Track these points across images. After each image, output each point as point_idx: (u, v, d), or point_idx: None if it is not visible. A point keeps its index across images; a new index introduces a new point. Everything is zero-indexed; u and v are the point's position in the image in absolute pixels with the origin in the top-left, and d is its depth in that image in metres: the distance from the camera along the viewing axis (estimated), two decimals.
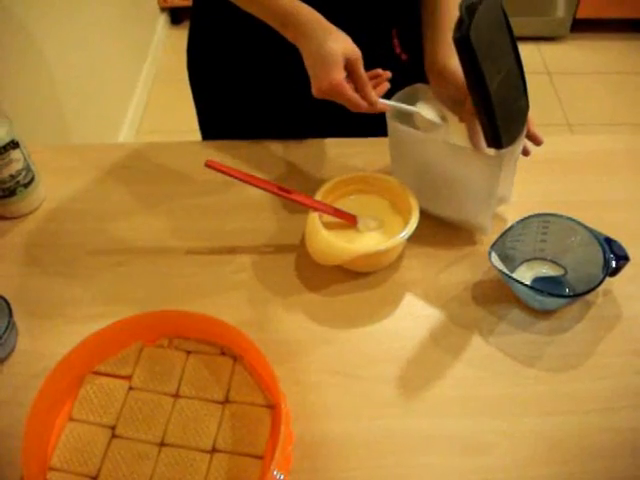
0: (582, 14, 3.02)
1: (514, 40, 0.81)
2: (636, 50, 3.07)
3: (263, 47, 1.04)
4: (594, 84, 2.90)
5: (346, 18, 0.85)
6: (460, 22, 0.71)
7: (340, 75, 0.81)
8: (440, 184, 0.91)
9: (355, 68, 0.83)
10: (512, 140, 0.82)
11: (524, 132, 0.86)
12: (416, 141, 0.88)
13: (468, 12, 0.71)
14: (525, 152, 0.92)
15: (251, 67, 1.08)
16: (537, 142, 0.91)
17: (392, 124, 0.88)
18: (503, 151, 0.81)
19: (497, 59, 0.77)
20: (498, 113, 0.77)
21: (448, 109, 0.90)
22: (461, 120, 0.89)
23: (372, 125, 1.11)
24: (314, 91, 0.84)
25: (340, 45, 0.82)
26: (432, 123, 0.89)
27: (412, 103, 0.91)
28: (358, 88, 0.83)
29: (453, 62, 0.87)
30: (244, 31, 1.02)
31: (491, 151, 0.82)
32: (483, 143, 0.86)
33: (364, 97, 0.83)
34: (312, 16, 0.83)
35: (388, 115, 0.87)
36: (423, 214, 0.87)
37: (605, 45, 3.11)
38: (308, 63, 0.83)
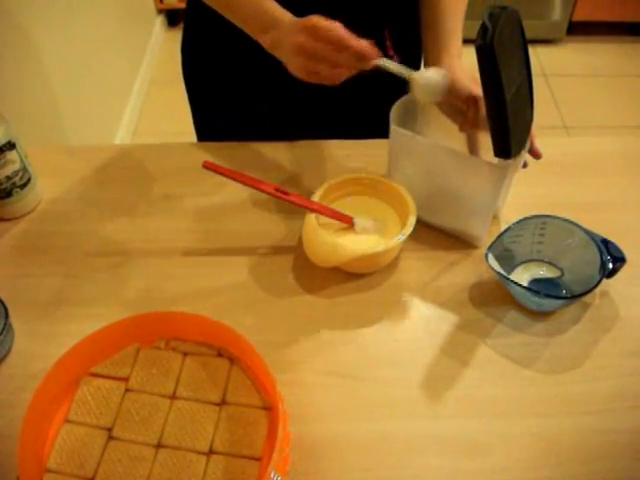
0: (578, 17, 3.03)
1: (527, 53, 0.81)
2: (632, 53, 3.09)
3: (258, 48, 1.04)
4: (590, 86, 2.91)
5: (338, 19, 0.84)
6: (484, 30, 0.71)
7: (314, 18, 0.77)
8: (439, 192, 0.90)
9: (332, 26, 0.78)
10: (518, 151, 0.82)
11: (528, 144, 0.86)
12: (420, 147, 0.88)
13: (491, 20, 0.71)
14: (524, 164, 0.93)
15: (246, 68, 1.08)
16: (537, 156, 0.91)
17: (395, 129, 0.87)
18: (509, 162, 0.81)
19: (512, 70, 0.77)
20: (510, 123, 0.76)
21: (448, 118, 0.90)
22: (461, 130, 0.89)
23: (370, 127, 1.12)
24: (290, 59, 0.81)
25: None
26: (431, 86, 0.82)
27: (412, 110, 0.91)
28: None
29: (457, 73, 0.87)
30: (239, 32, 1.02)
31: (495, 161, 0.82)
32: (482, 154, 0.86)
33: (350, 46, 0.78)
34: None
35: (392, 119, 0.87)
36: (418, 220, 0.87)
37: (601, 48, 3.12)
38: (280, 44, 0.81)
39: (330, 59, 0.79)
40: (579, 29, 3.11)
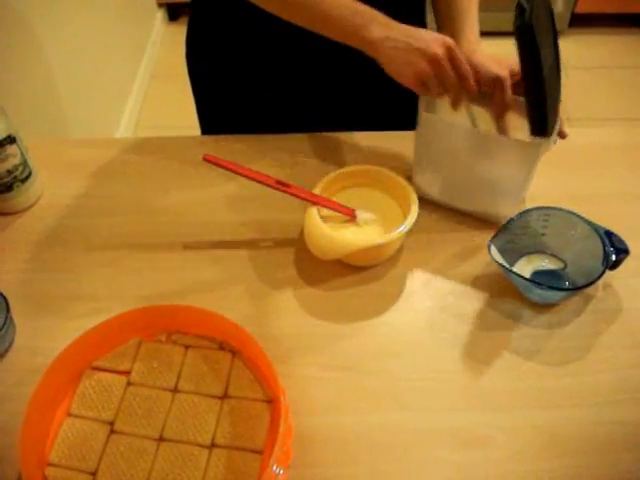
0: (580, 9, 3.01)
1: (556, 33, 0.82)
2: (634, 45, 3.07)
3: (264, 39, 1.03)
4: (593, 79, 2.90)
5: None
6: (521, 10, 0.72)
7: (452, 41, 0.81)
8: (470, 177, 0.91)
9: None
10: (552, 129, 0.83)
11: (559, 122, 0.87)
12: (452, 133, 0.88)
13: (528, 0, 0.72)
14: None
15: (253, 58, 1.08)
16: (563, 136, 0.92)
17: (425, 114, 0.87)
18: (543, 140, 0.82)
19: (545, 49, 0.78)
20: (548, 101, 0.78)
21: (474, 103, 0.90)
22: (491, 113, 0.88)
23: (370, 119, 1.11)
24: (413, 71, 0.81)
25: None
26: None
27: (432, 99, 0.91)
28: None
29: (479, 58, 0.87)
30: (245, 22, 1.02)
31: (527, 140, 0.83)
32: (510, 135, 0.87)
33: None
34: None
35: (421, 106, 0.87)
36: (427, 207, 0.86)
37: (603, 40, 3.11)
38: (402, 45, 0.81)
39: (448, 82, 0.82)
40: (582, 21, 3.09)
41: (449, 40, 0.81)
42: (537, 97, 0.78)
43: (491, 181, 0.90)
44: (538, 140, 0.82)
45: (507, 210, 0.91)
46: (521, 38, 0.74)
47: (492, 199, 0.92)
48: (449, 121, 0.87)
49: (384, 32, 0.82)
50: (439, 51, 0.80)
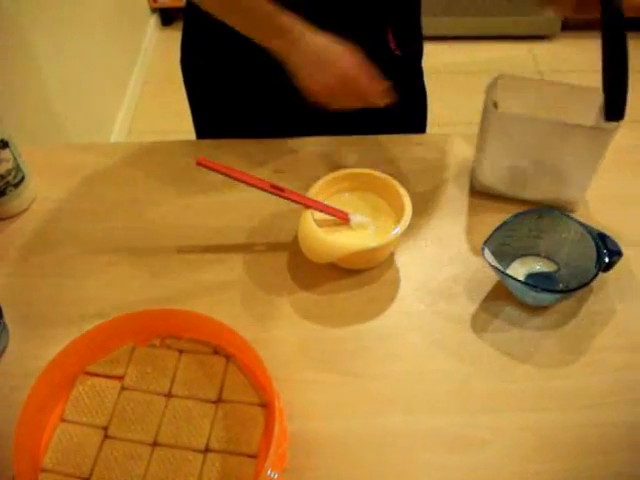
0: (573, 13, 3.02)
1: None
2: None
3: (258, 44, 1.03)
4: (585, 83, 2.91)
5: (341, 16, 0.85)
6: None
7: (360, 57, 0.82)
8: (539, 167, 0.92)
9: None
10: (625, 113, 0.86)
11: None
12: (522, 125, 0.89)
13: None
14: None
15: (248, 61, 1.07)
16: None
17: (491, 108, 0.89)
18: (618, 124, 0.84)
19: None
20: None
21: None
22: None
23: (365, 124, 1.11)
24: (320, 84, 0.84)
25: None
26: None
27: (493, 93, 0.92)
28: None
29: None
30: None
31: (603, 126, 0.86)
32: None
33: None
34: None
35: (487, 99, 0.89)
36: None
37: (596, 44, 3.09)
38: (313, 57, 0.83)
39: (353, 99, 0.85)
40: (573, 25, 3.11)
41: (359, 57, 0.83)
42: (621, 83, 0.81)
43: (560, 169, 0.91)
44: (614, 124, 0.84)
45: (574, 195, 0.94)
46: (611, 25, 0.78)
47: (558, 186, 0.94)
48: (519, 114, 0.88)
49: (295, 41, 0.84)
50: (350, 72, 0.83)
